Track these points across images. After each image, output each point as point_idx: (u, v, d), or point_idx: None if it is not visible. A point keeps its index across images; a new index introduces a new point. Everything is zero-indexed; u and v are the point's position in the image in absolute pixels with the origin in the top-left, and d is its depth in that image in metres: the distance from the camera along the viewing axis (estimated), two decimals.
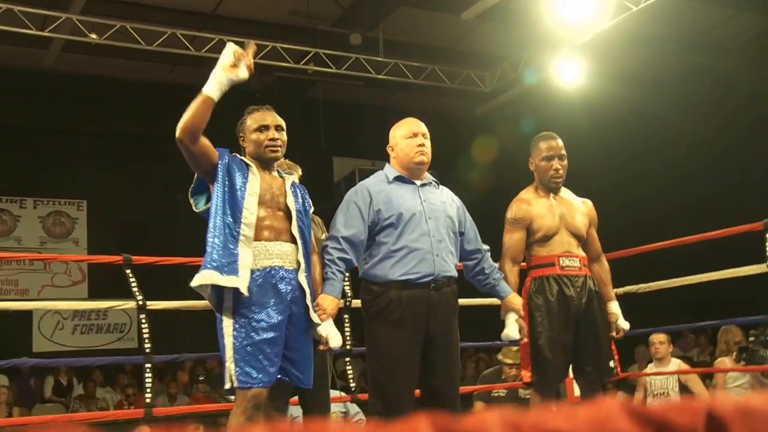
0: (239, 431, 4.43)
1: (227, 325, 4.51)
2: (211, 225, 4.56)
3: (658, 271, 8.84)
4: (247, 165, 4.75)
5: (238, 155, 4.83)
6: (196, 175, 4.73)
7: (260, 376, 4.44)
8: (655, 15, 13.45)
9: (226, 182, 4.60)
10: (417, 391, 5.27)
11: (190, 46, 14.08)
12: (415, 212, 5.20)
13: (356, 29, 14.63)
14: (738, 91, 14.57)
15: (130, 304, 6.56)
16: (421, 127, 5.49)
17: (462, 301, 6.76)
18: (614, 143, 17.20)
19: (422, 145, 5.38)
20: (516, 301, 5.68)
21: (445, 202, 5.42)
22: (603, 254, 6.35)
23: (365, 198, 5.25)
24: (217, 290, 4.55)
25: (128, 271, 6.43)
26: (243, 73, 4.62)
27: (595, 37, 14.15)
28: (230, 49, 4.64)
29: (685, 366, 9.49)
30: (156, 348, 6.72)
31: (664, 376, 8.95)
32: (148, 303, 6.44)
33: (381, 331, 5.09)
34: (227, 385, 4.53)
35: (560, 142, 6.12)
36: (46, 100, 17.03)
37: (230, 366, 4.46)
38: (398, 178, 5.35)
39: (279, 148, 4.85)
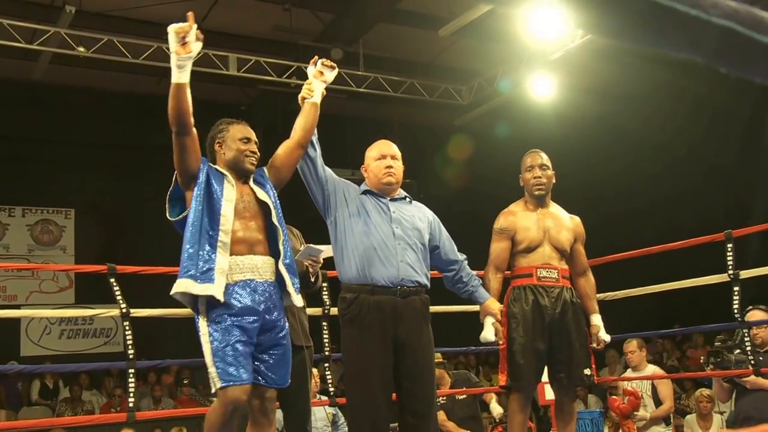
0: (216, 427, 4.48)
1: (204, 332, 4.52)
2: (188, 232, 4.55)
3: (629, 278, 8.88)
4: (223, 174, 4.74)
5: (212, 165, 4.82)
6: (174, 180, 4.69)
7: (238, 373, 4.42)
8: None
9: (206, 188, 4.59)
10: (394, 395, 5.33)
11: None
12: (384, 220, 5.30)
13: (337, 44, 14.68)
14: (702, 103, 14.67)
15: (114, 312, 6.56)
16: (392, 149, 5.56)
17: (443, 308, 6.84)
18: (585, 153, 17.31)
19: (390, 167, 5.45)
20: (493, 305, 5.75)
21: (414, 215, 5.48)
22: (589, 269, 6.48)
23: (347, 184, 5.46)
24: (192, 296, 4.57)
25: (112, 280, 6.43)
26: (195, 47, 4.61)
27: (566, 53, 14.33)
28: (172, 33, 4.59)
29: (660, 372, 9.57)
30: (141, 352, 6.74)
31: (638, 381, 8.97)
32: (131, 311, 6.44)
33: (351, 336, 5.18)
34: (213, 389, 4.52)
35: (543, 155, 6.30)
36: (34, 111, 17.05)
37: (212, 370, 4.45)
38: (369, 192, 5.44)
39: (255, 162, 4.85)
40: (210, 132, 4.94)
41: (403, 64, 16.60)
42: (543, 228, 6.14)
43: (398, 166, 5.50)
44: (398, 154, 5.56)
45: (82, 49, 13.37)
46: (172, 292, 4.55)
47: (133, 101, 17.28)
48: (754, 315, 7.40)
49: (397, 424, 5.56)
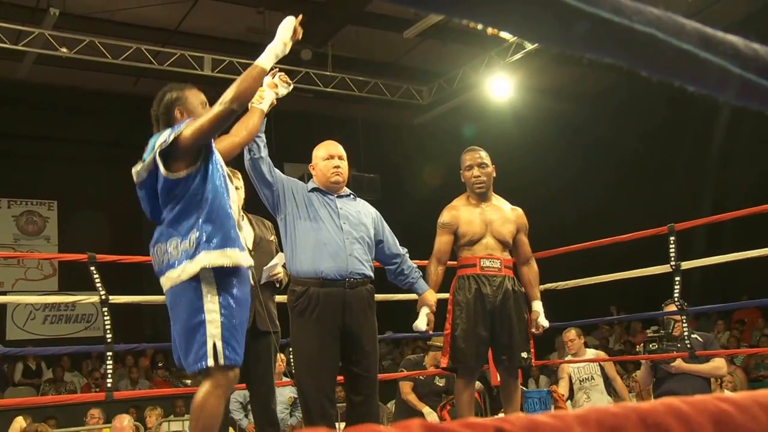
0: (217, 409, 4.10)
1: (212, 301, 4.09)
2: (213, 198, 4.19)
3: (578, 269, 8.93)
4: None
5: None
6: (173, 139, 4.14)
7: (240, 354, 4.16)
8: None
9: (216, 155, 4.34)
10: (341, 377, 5.50)
11: (153, 60, 14.11)
12: (332, 216, 5.40)
13: (307, 45, 14.68)
14: (652, 103, 14.76)
15: (94, 299, 6.55)
16: (339, 149, 5.65)
17: (396, 297, 6.88)
18: (540, 149, 17.40)
19: (338, 166, 5.55)
20: (430, 297, 5.90)
21: (360, 211, 5.59)
22: (533, 257, 6.50)
23: (295, 182, 5.52)
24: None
25: (92, 268, 6.42)
26: (289, 46, 4.55)
27: (524, 55, 14.40)
28: (291, 25, 4.52)
29: (601, 354, 9.79)
30: (121, 336, 6.75)
31: (587, 363, 9.06)
32: (110, 297, 6.44)
33: (301, 327, 5.27)
34: (210, 362, 4.04)
35: (482, 153, 6.31)
36: (19, 109, 17.07)
37: (217, 343, 4.05)
38: (317, 189, 5.52)
39: None
40: (162, 97, 4.48)
41: (369, 65, 16.63)
42: (485, 221, 6.18)
43: (344, 166, 5.61)
44: (344, 154, 5.66)
45: (64, 49, 13.39)
46: (213, 264, 4.09)
47: (112, 100, 17.26)
48: (671, 308, 7.55)
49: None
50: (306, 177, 5.74)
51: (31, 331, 18.15)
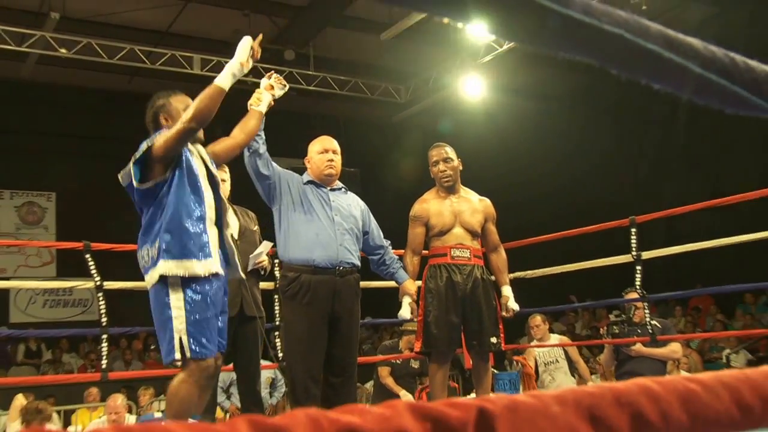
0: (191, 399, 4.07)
1: (177, 298, 4.05)
2: (177, 208, 4.11)
3: (552, 260, 8.92)
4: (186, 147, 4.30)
5: None
6: (147, 149, 4.10)
7: (212, 346, 4.10)
8: None
9: (186, 164, 4.21)
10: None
11: (146, 60, 14.14)
12: (324, 208, 5.42)
13: (290, 46, 14.71)
14: (620, 103, 14.79)
15: (90, 284, 6.54)
16: (333, 144, 5.67)
17: (375, 284, 6.86)
18: (513, 146, 17.39)
19: (332, 160, 5.57)
20: (411, 286, 5.95)
21: (350, 204, 5.62)
22: (501, 245, 6.48)
23: (291, 175, 5.52)
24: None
25: (87, 255, 6.40)
26: (249, 65, 4.38)
27: (496, 56, 14.39)
28: (248, 45, 4.41)
29: (565, 339, 9.90)
30: (115, 320, 6.72)
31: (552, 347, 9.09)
32: (105, 283, 6.43)
33: (293, 311, 5.29)
34: (176, 356, 4.02)
35: (447, 148, 6.30)
36: (22, 106, 17.15)
37: (183, 337, 4.03)
38: (311, 182, 5.53)
39: None
40: (150, 107, 4.41)
41: (349, 65, 16.67)
42: (454, 212, 6.16)
43: (338, 160, 5.62)
44: (338, 149, 5.68)
45: (64, 50, 13.52)
46: (167, 273, 4.05)
47: (108, 97, 17.32)
48: (631, 296, 7.58)
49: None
50: (291, 170, 5.72)
51: (32, 314, 18.26)
